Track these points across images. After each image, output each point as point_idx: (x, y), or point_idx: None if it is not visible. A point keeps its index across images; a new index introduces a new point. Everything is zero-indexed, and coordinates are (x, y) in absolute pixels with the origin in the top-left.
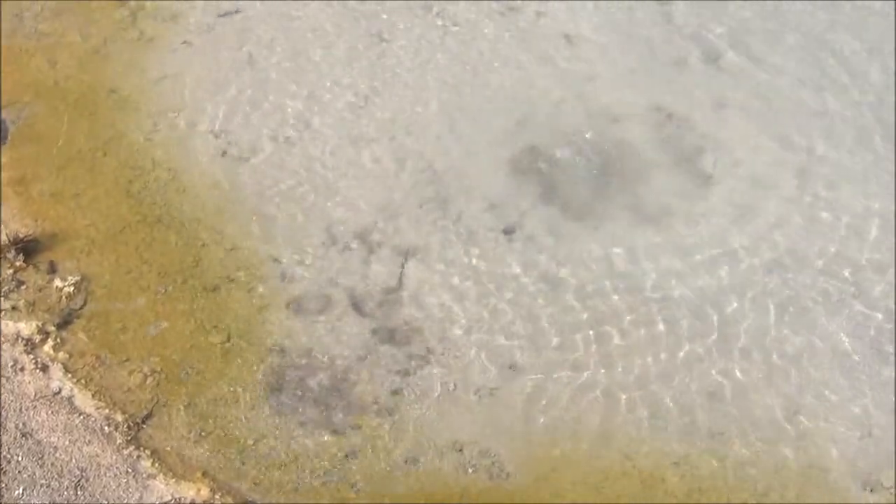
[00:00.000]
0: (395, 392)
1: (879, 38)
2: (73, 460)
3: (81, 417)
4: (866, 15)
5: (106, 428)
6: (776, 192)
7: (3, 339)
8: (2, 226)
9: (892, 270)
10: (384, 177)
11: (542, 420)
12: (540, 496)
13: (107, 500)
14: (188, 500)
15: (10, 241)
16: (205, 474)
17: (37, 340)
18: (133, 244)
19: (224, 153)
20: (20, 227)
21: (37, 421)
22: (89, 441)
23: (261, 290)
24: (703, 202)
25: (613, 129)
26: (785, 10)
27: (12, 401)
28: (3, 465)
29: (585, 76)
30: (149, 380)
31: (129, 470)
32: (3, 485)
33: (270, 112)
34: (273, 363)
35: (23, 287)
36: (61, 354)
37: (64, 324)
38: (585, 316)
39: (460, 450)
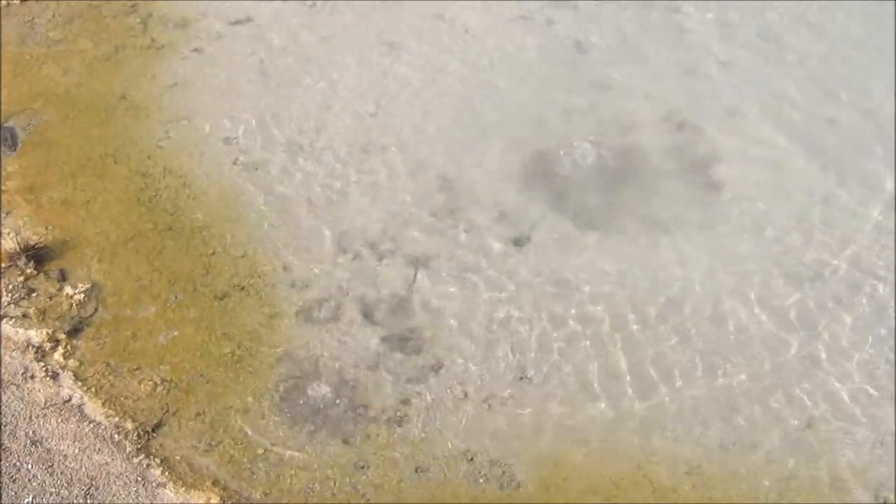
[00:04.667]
0: (406, 401)
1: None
2: (83, 469)
3: (91, 426)
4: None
5: (116, 436)
6: (787, 199)
7: (13, 346)
8: (13, 233)
9: None
10: (395, 185)
11: (552, 429)
12: None
13: None
14: None
15: (20, 248)
16: (215, 483)
17: (47, 348)
18: (144, 252)
19: (235, 161)
20: (31, 234)
21: (47, 429)
22: (99, 449)
23: (271, 298)
24: (714, 210)
25: (625, 137)
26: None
27: (22, 409)
28: (13, 474)
29: (597, 84)
30: (159, 388)
31: (139, 478)
32: (13, 493)
33: (281, 120)
34: (283, 372)
35: (33, 294)
36: (71, 362)
37: (74, 331)
38: (596, 325)
39: (471, 459)
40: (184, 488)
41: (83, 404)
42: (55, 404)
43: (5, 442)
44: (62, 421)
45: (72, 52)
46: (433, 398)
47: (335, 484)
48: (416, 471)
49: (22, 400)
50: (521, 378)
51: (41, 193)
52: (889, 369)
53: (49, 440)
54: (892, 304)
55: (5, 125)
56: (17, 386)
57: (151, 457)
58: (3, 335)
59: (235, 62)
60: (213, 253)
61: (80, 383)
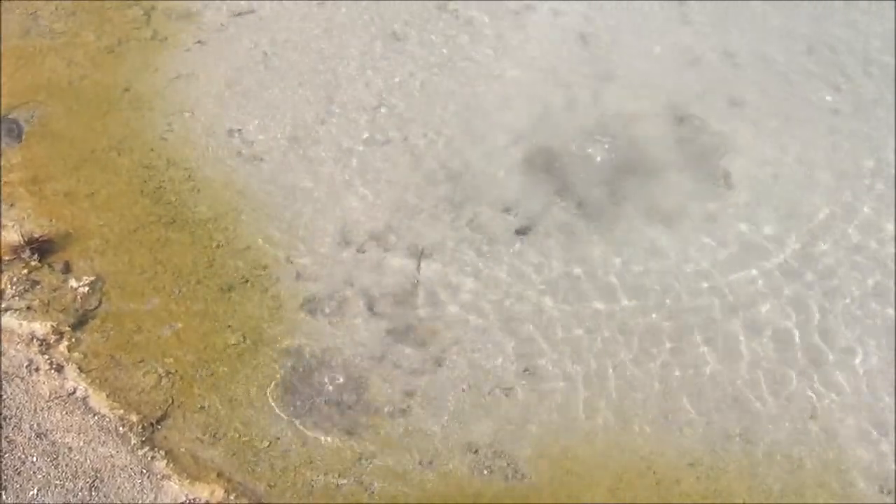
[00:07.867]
0: (410, 393)
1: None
2: (88, 461)
3: (96, 418)
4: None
5: (120, 429)
6: (792, 191)
7: (17, 339)
8: (17, 225)
9: None
10: (399, 177)
11: (557, 421)
12: (555, 498)
13: (121, 500)
14: (202, 502)
15: (24, 240)
16: (219, 475)
17: (51, 341)
18: (147, 244)
19: (239, 153)
20: (35, 226)
21: (51, 421)
22: (104, 442)
23: (275, 290)
24: (719, 202)
25: (629, 128)
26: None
27: (27, 401)
28: (18, 466)
29: (601, 75)
30: (163, 380)
31: (144, 471)
32: (18, 486)
33: (285, 112)
34: (288, 364)
35: (37, 287)
36: (76, 355)
37: (79, 324)
38: (600, 317)
39: (475, 451)
40: (188, 480)
41: (88, 397)
42: (60, 397)
43: (10, 434)
44: (67, 413)
45: (75, 45)
46: (438, 390)
47: (339, 476)
48: (421, 463)
49: (26, 392)
50: (526, 370)
51: (45, 186)
52: (891, 361)
53: (54, 433)
54: (892, 296)
55: (9, 117)
56: (22, 378)
57: (156, 449)
58: (8, 328)
59: (239, 54)
60: (218, 245)
61: (84, 376)
